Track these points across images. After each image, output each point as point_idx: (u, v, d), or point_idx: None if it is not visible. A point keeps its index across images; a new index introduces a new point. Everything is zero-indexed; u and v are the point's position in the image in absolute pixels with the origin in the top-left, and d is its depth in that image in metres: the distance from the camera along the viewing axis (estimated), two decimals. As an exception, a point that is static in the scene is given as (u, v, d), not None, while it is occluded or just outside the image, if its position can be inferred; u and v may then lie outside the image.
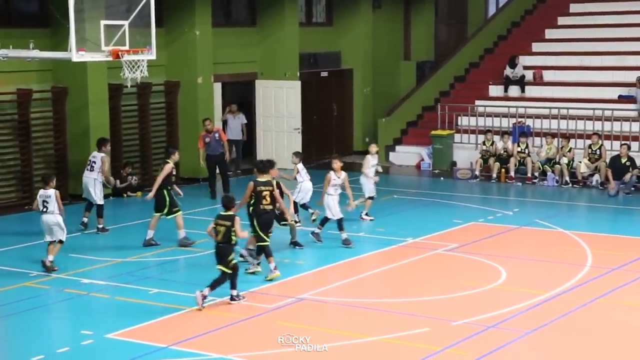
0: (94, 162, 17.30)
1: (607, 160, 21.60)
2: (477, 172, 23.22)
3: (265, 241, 13.82)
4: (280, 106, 24.80)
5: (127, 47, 15.00)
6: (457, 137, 24.83)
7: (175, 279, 14.05)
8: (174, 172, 16.25)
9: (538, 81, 26.07)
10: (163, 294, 13.13)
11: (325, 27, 27.47)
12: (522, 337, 11.30)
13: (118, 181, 20.79)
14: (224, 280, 12.63)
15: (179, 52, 22.54)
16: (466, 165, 23.80)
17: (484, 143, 23.59)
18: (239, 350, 10.78)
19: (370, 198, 18.04)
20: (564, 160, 22.23)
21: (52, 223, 14.28)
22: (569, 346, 11.16)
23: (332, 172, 16.00)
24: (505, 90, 25.99)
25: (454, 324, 11.75)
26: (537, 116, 24.06)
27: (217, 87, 23.64)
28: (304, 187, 17.24)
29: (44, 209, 14.30)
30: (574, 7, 28.69)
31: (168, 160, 16.23)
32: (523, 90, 25.78)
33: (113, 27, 14.96)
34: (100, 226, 17.21)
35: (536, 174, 22.56)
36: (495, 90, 26.26)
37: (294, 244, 15.64)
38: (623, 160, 21.15)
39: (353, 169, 22.29)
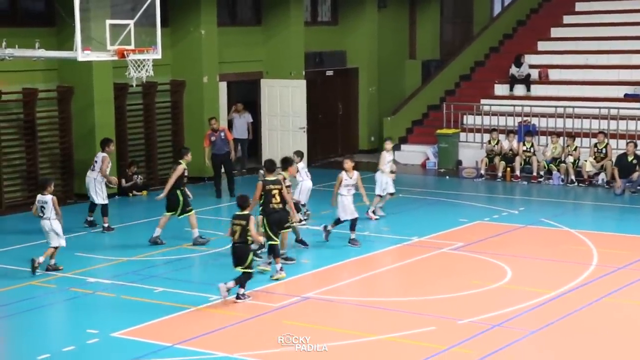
0: (96, 162, 17.35)
1: (613, 159, 21.56)
2: (482, 171, 23.20)
3: (275, 241, 13.81)
4: (285, 105, 24.80)
5: (132, 47, 15.01)
6: (462, 136, 24.81)
7: (181, 277, 14.05)
8: (186, 173, 16.20)
9: (544, 80, 26.04)
10: (168, 293, 13.14)
11: (331, 26, 27.46)
12: (527, 336, 11.29)
13: (124, 180, 20.83)
14: (247, 277, 12.67)
15: (184, 51, 22.56)
16: (472, 164, 23.78)
17: (489, 142, 23.57)
18: (244, 349, 10.78)
19: (380, 196, 18.00)
20: (570, 159, 22.19)
21: (47, 229, 14.27)
22: (575, 345, 11.15)
23: (343, 172, 15.94)
24: (511, 89, 25.96)
25: (460, 322, 11.74)
26: (543, 115, 24.03)
27: (223, 87, 23.65)
28: (304, 187, 17.22)
29: (41, 214, 14.30)
30: (579, 6, 28.65)
31: (180, 161, 16.18)
32: (529, 89, 25.76)
33: (118, 26, 14.97)
34: (106, 225, 17.23)
35: (542, 172, 22.53)
36: (500, 89, 26.23)
37: (299, 242, 15.64)
38: (629, 159, 21.11)
39: (359, 168, 22.18)
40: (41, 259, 14.11)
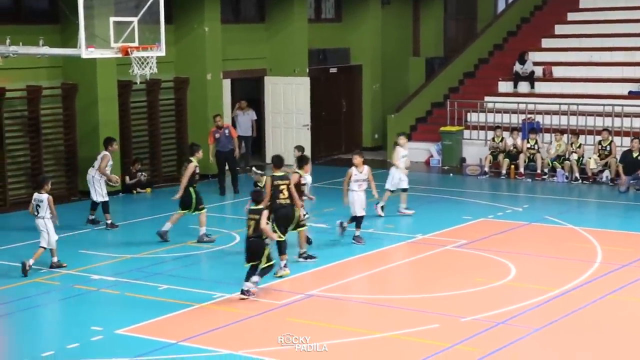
0: (96, 160, 17.39)
1: (618, 156, 21.54)
2: (486, 169, 23.18)
3: (281, 237, 13.81)
4: (289, 102, 24.81)
5: (136, 44, 15.01)
6: (466, 133, 24.80)
7: (185, 275, 14.06)
8: (197, 170, 16.19)
9: (547, 77, 26.01)
10: (173, 290, 13.15)
11: (334, 23, 27.45)
12: (531, 333, 11.28)
13: (127, 177, 20.85)
14: (255, 271, 12.66)
15: (188, 48, 22.56)
16: (475, 161, 23.77)
17: (493, 139, 23.55)
18: (248, 347, 10.79)
19: (391, 191, 17.95)
20: (574, 156, 22.17)
21: (41, 227, 14.20)
22: (579, 343, 11.15)
23: (353, 168, 15.89)
24: (515, 86, 25.93)
25: (464, 320, 11.74)
26: (547, 112, 24.00)
27: (227, 84, 23.66)
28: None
29: (36, 213, 14.26)
30: (583, 3, 28.60)
31: (192, 159, 16.15)
32: (532, 86, 25.72)
33: (122, 23, 14.98)
34: (109, 222, 17.24)
35: (546, 170, 22.51)
36: (504, 86, 26.20)
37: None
38: (635, 155, 21.08)
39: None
40: (31, 261, 14.02)
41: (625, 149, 21.57)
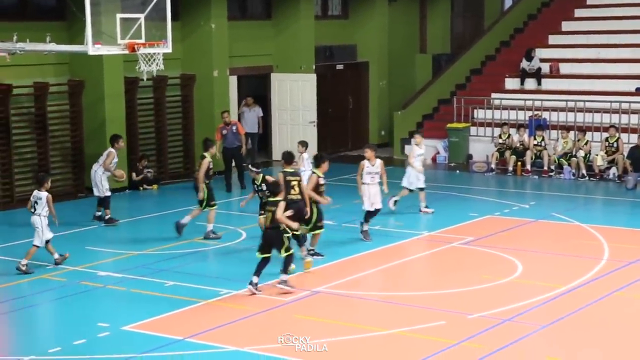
0: (101, 156, 17.43)
1: (625, 153, 21.49)
2: (493, 165, 23.15)
3: (296, 230, 13.85)
4: (295, 99, 24.80)
5: (143, 41, 15.02)
6: (473, 130, 24.76)
7: (191, 271, 14.07)
8: (211, 166, 16.18)
9: (554, 74, 25.95)
10: (179, 287, 13.16)
11: (341, 20, 27.42)
12: (538, 330, 11.26)
13: (134, 174, 20.87)
14: (266, 264, 12.77)
15: (194, 45, 22.57)
16: (482, 158, 23.74)
17: (500, 136, 23.51)
18: (254, 343, 10.79)
19: (409, 190, 17.94)
20: (581, 153, 22.12)
21: (37, 225, 14.13)
22: (586, 340, 11.13)
23: (365, 161, 15.84)
24: (522, 83, 25.88)
25: (470, 317, 11.73)
26: (554, 109, 23.95)
27: (233, 80, 23.67)
28: (307, 178, 17.13)
29: (33, 210, 14.21)
30: (590, -1, 28.56)
31: (205, 155, 16.13)
32: (539, 83, 25.67)
33: (129, 20, 14.98)
34: (107, 217, 17.22)
35: (552, 167, 22.47)
36: (511, 83, 26.15)
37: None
38: (642, 151, 21.05)
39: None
40: (24, 261, 13.98)
41: (633, 145, 21.51)
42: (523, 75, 25.86)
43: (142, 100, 21.77)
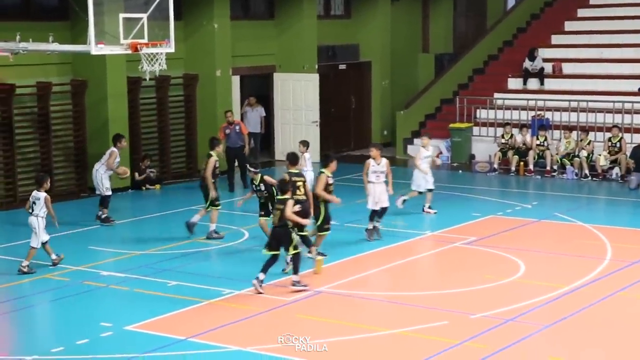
0: (104, 155, 17.44)
1: (628, 153, 21.47)
2: (495, 165, 23.14)
3: (307, 224, 13.86)
4: (298, 99, 24.80)
5: (145, 40, 15.04)
6: (475, 130, 24.75)
7: (194, 271, 14.08)
8: (217, 165, 16.18)
9: (557, 74, 25.94)
10: (182, 287, 13.17)
11: (344, 20, 27.42)
12: (541, 330, 11.26)
13: (137, 174, 20.88)
14: (274, 261, 12.84)
15: (197, 45, 22.58)
16: (485, 158, 23.73)
17: (502, 136, 23.50)
18: (257, 343, 10.79)
19: (420, 192, 17.90)
20: (583, 153, 22.11)
21: (34, 225, 14.05)
22: (589, 340, 11.12)
23: (370, 160, 15.85)
24: (524, 82, 25.86)
25: (473, 317, 11.72)
26: (557, 109, 23.94)
27: (236, 80, 23.67)
28: (308, 177, 17.11)
29: (30, 210, 14.15)
30: (593, -1, 28.55)
31: (212, 153, 16.10)
32: (542, 83, 25.65)
33: (132, 20, 15.01)
34: (103, 216, 17.21)
35: (555, 167, 22.45)
36: (514, 82, 26.14)
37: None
38: (646, 150, 21.02)
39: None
40: (25, 262, 13.96)
41: (635, 145, 21.49)
42: (526, 75, 25.84)
43: (145, 100, 21.78)
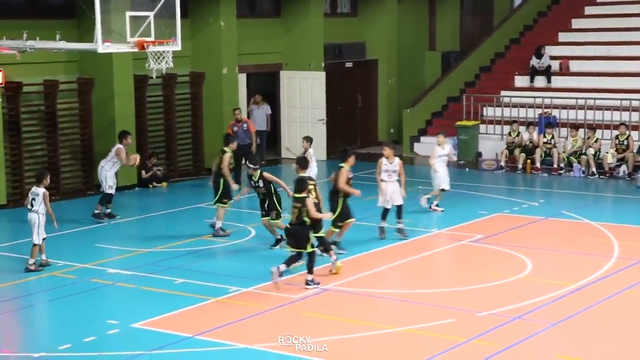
0: (110, 152, 17.46)
1: (635, 150, 21.42)
2: (502, 163, 23.10)
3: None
4: (304, 97, 24.80)
5: (152, 38, 15.04)
6: (482, 127, 24.72)
7: (201, 269, 14.09)
8: (232, 161, 16.17)
9: (564, 71, 25.88)
10: (188, 284, 13.18)
11: (350, 18, 27.40)
12: (548, 328, 11.24)
13: (144, 171, 20.91)
14: (299, 257, 12.98)
15: (204, 43, 22.59)
16: (491, 156, 23.69)
17: (509, 134, 23.47)
18: (264, 341, 10.79)
19: (441, 190, 17.91)
20: (591, 151, 22.06)
21: (33, 221, 14.00)
22: (596, 338, 11.10)
23: (383, 158, 15.83)
24: (531, 80, 25.82)
25: (480, 315, 11.71)
26: (564, 107, 23.89)
27: (242, 78, 23.68)
28: (312, 173, 17.07)
29: (30, 206, 14.10)
30: (600, -4, 28.48)
31: (226, 149, 16.09)
32: (549, 81, 25.61)
33: (138, 18, 15.01)
34: (97, 211, 17.23)
35: (562, 164, 22.41)
36: (521, 80, 26.10)
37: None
38: (652, 149, 20.98)
39: (377, 160, 22.23)
40: (31, 261, 13.96)
41: (643, 143, 21.47)
42: (533, 72, 25.80)
43: (152, 98, 21.80)
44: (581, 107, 23.58)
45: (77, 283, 13.42)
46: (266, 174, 14.96)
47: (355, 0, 27.47)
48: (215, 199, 15.95)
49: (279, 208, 14.92)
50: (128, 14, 14.86)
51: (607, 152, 21.81)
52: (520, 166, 22.78)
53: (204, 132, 22.80)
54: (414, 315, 11.93)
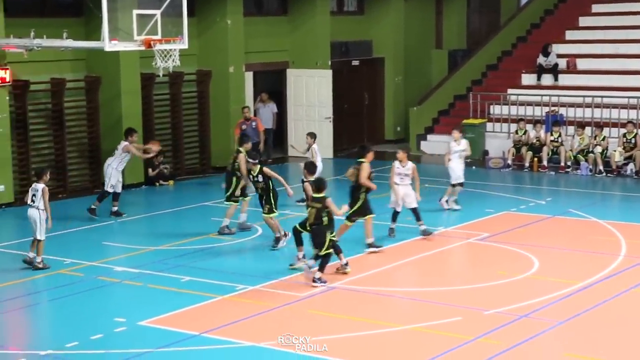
0: (117, 150, 17.49)
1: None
2: (509, 161, 23.08)
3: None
4: (311, 95, 24.80)
5: (159, 37, 15.07)
6: (489, 126, 24.68)
7: (207, 267, 14.10)
8: (248, 159, 16.21)
9: (571, 69, 25.84)
10: (195, 282, 13.19)
11: (357, 16, 27.39)
12: (555, 326, 11.23)
13: (150, 170, 20.93)
14: (328, 257, 13.04)
15: (210, 41, 22.60)
16: (498, 154, 23.66)
17: (516, 132, 23.43)
18: (270, 339, 10.79)
19: (460, 185, 17.87)
20: (598, 149, 22.01)
21: (34, 218, 13.97)
22: (603, 336, 11.07)
23: (396, 162, 15.81)
24: (538, 78, 25.79)
25: (486, 313, 11.70)
26: (571, 105, 23.85)
27: (249, 76, 23.68)
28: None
29: (31, 202, 14.05)
30: (608, -6, 28.40)
31: (241, 149, 16.04)
32: (556, 79, 25.56)
33: (145, 16, 15.04)
34: (92, 206, 17.26)
35: (569, 163, 22.37)
36: (528, 78, 26.06)
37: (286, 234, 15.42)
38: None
39: (384, 158, 22.28)
40: (39, 258, 13.96)
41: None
42: (540, 70, 25.76)
43: (159, 96, 21.83)
44: (588, 105, 23.53)
45: (84, 281, 13.45)
46: (266, 169, 14.99)
47: (362, -2, 27.49)
48: (227, 196, 15.95)
49: (273, 204, 14.92)
50: (135, 12, 14.89)
51: (615, 150, 21.77)
52: (527, 164, 22.75)
53: (211, 130, 22.82)
54: (421, 313, 11.93)
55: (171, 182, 21.29)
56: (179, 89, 22.19)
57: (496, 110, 24.93)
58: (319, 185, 13.24)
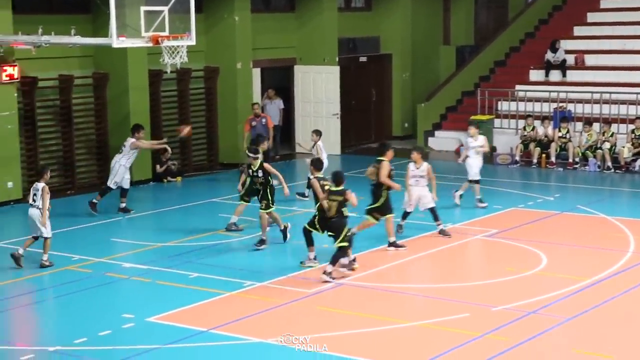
0: (124, 146, 17.51)
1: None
2: (517, 158, 23.04)
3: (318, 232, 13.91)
4: (319, 91, 24.79)
5: (166, 33, 15.07)
6: (497, 122, 24.64)
7: (215, 263, 14.12)
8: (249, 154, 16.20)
9: (580, 65, 25.77)
10: (203, 278, 13.21)
11: (364, 12, 27.36)
12: (563, 323, 11.21)
13: (158, 166, 20.96)
14: (344, 250, 13.09)
15: (218, 37, 22.60)
16: (506, 150, 23.63)
17: (524, 128, 23.39)
18: (278, 335, 10.79)
19: (475, 182, 17.80)
20: (606, 145, 21.96)
21: (35, 217, 13.92)
22: (611, 333, 11.05)
23: (411, 163, 15.76)
24: (546, 74, 25.72)
25: (494, 309, 11.69)
26: (579, 101, 23.79)
27: (256, 73, 23.68)
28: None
29: (33, 201, 14.02)
30: (616, -10, 28.30)
31: (257, 149, 16.11)
32: (564, 75, 25.50)
33: (153, 13, 15.04)
34: (94, 200, 17.31)
35: (577, 159, 22.32)
36: (536, 74, 26.00)
37: (283, 231, 15.36)
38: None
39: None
40: (45, 257, 13.96)
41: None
42: (548, 66, 25.69)
43: (166, 92, 21.84)
44: (597, 101, 23.47)
45: (92, 277, 13.47)
46: (266, 165, 15.01)
47: (370, -6, 27.45)
48: (241, 194, 15.93)
49: (270, 199, 14.92)
50: (143, 8, 14.89)
51: (623, 147, 21.72)
52: (535, 160, 22.71)
53: (219, 126, 22.83)
54: (429, 309, 11.93)
55: (179, 178, 21.31)
56: (187, 85, 22.21)
57: (504, 106, 24.88)
58: (337, 178, 13.29)
